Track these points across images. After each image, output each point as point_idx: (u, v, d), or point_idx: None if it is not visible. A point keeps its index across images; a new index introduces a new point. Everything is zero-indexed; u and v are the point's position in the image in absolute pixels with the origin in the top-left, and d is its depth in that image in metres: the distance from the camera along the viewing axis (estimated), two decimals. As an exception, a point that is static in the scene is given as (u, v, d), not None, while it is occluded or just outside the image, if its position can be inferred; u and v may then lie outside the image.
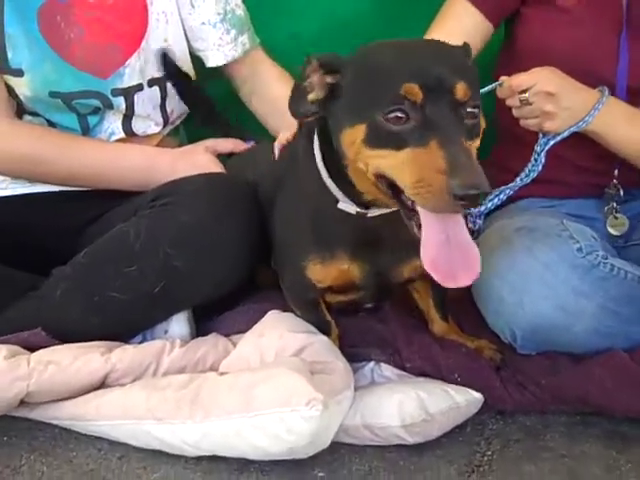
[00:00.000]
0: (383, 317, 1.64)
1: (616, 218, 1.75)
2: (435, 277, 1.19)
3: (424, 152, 1.14)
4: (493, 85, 1.56)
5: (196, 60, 1.91)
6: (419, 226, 1.21)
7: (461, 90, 1.17)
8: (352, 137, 1.22)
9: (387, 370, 1.53)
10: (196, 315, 1.63)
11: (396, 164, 1.18)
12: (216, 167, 1.74)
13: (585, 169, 1.75)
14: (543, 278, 1.46)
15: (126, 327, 1.55)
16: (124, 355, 1.46)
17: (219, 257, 1.50)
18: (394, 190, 1.22)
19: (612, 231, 1.74)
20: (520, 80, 1.55)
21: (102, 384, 1.45)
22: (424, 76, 1.17)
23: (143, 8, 1.75)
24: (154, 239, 1.48)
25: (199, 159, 1.75)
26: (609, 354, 1.47)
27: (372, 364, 1.54)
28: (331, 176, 1.36)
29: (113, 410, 1.39)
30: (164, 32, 1.79)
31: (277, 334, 1.47)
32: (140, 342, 1.56)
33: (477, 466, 1.34)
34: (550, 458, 1.37)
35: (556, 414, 1.49)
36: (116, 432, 1.39)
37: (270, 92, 1.94)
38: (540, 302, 1.43)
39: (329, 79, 1.27)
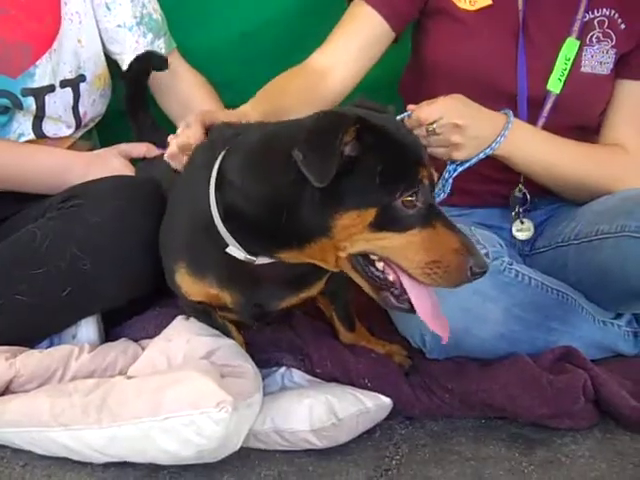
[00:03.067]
0: (294, 323, 1.64)
1: (522, 222, 1.80)
2: (440, 334, 1.27)
3: (434, 234, 1.18)
4: (402, 116, 1.56)
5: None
6: (396, 296, 1.24)
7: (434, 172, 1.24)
8: (356, 221, 1.17)
9: (297, 376, 1.53)
10: (105, 320, 1.60)
11: (401, 246, 1.18)
12: (128, 171, 1.73)
13: (491, 179, 1.80)
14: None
15: (33, 331, 1.52)
16: (29, 360, 1.43)
17: (128, 260, 1.49)
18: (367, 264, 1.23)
19: (518, 235, 1.80)
20: (428, 113, 1.55)
21: (6, 390, 1.41)
22: (425, 159, 1.22)
23: (56, 8, 1.72)
24: (62, 241, 1.46)
25: (112, 163, 1.74)
26: (513, 358, 1.51)
27: (283, 369, 1.54)
28: (230, 225, 1.29)
29: (17, 417, 1.36)
30: (77, 33, 1.77)
31: (184, 338, 1.46)
32: (47, 347, 1.53)
33: (385, 470, 1.36)
34: (456, 461, 1.39)
35: (463, 419, 1.51)
36: (20, 439, 1.36)
37: (186, 96, 1.94)
38: (447, 306, 1.46)
39: (352, 150, 1.17)
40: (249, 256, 1.31)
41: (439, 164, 1.61)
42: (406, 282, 1.23)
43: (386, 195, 1.16)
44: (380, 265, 1.23)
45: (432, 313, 1.26)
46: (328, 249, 1.23)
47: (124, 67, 1.89)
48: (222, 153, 1.30)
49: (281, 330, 1.61)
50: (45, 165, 1.71)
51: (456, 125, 1.55)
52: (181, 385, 1.29)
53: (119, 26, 1.83)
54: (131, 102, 1.89)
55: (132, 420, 1.28)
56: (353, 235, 1.19)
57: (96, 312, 1.56)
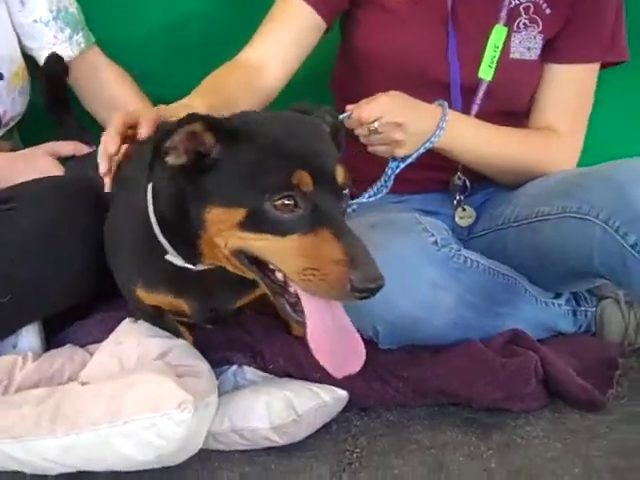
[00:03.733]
0: (243, 320, 1.61)
1: (464, 210, 1.82)
2: (327, 368, 1.16)
3: (316, 240, 1.11)
4: (343, 116, 1.54)
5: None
6: (292, 305, 1.17)
7: (341, 175, 1.16)
8: (223, 217, 1.16)
9: (250, 373, 1.51)
10: (44, 327, 1.54)
11: (279, 249, 1.13)
12: (57, 171, 1.68)
13: (430, 166, 1.80)
14: (401, 274, 1.47)
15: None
16: (-29, 373, 1.36)
17: (67, 263, 1.43)
18: (258, 265, 1.19)
19: (461, 222, 1.82)
20: (368, 113, 1.54)
21: (-53, 405, 1.34)
22: (312, 163, 1.14)
23: None
24: None
25: (39, 163, 1.68)
26: (466, 344, 1.53)
27: (234, 368, 1.51)
28: (163, 230, 1.28)
29: (-36, 432, 1.29)
30: None
31: (135, 341, 1.42)
32: (-14, 359, 1.46)
33: (348, 464, 1.35)
34: (416, 450, 1.40)
35: (416, 407, 1.52)
36: (-33, 456, 1.29)
37: (108, 92, 1.90)
38: (400, 298, 1.46)
39: (203, 146, 1.16)
40: (187, 264, 1.29)
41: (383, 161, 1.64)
42: (300, 292, 1.16)
43: (252, 197, 1.13)
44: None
45: (323, 337, 1.16)
46: (210, 246, 1.21)
47: (41, 63, 1.82)
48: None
49: (231, 328, 1.58)
50: None
51: (397, 123, 1.55)
52: (139, 387, 1.26)
53: (35, 21, 1.78)
54: (51, 104, 1.84)
55: (90, 427, 1.23)
56: (222, 231, 1.17)
57: (37, 319, 1.49)
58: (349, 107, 1.56)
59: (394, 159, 1.62)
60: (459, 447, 1.41)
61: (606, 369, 1.62)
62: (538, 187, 1.71)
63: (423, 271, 1.50)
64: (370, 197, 1.65)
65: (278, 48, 1.71)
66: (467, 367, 1.48)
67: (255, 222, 1.13)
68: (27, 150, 1.75)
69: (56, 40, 1.81)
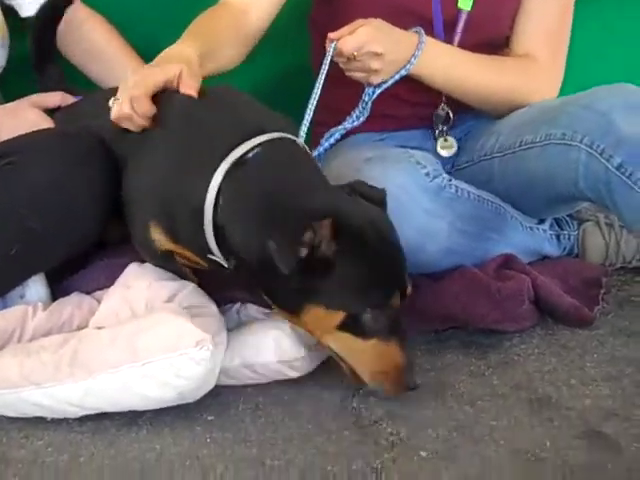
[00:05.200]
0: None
1: (446, 140, 1.86)
2: None
3: (388, 348, 1.28)
4: (329, 52, 1.58)
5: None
6: None
7: (409, 292, 1.31)
8: (321, 316, 1.25)
9: (254, 310, 1.53)
10: (48, 276, 1.56)
11: (358, 350, 1.28)
12: (46, 123, 1.66)
13: (412, 103, 1.84)
14: (400, 201, 1.51)
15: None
16: (-18, 323, 1.38)
17: (75, 215, 1.44)
18: None
19: (443, 153, 1.86)
20: (349, 45, 1.57)
21: (-38, 357, 1.36)
22: (403, 283, 1.29)
23: None
24: (5, 200, 1.39)
25: (26, 116, 1.66)
26: (462, 270, 1.58)
27: (237, 305, 1.54)
28: (217, 240, 1.32)
29: (-17, 382, 1.31)
30: None
31: (144, 284, 1.44)
32: (-5, 310, 1.47)
33: (357, 390, 1.40)
34: (418, 373, 1.42)
35: (414, 333, 1.57)
36: (-11, 405, 1.32)
37: (91, 40, 1.90)
38: (402, 227, 1.49)
39: (328, 249, 1.21)
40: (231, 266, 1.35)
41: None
42: None
43: (356, 306, 1.25)
44: None
45: None
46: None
47: (22, 14, 1.81)
48: (224, 168, 1.30)
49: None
50: None
51: (376, 53, 1.58)
52: (156, 328, 1.29)
53: None
54: (39, 51, 1.81)
55: (109, 370, 1.27)
56: (322, 328, 1.28)
57: (45, 269, 1.51)
58: (331, 36, 1.59)
59: (370, 85, 1.66)
60: (460, 367, 1.47)
61: (591, 288, 1.69)
62: (521, 117, 1.76)
63: (418, 200, 1.55)
64: (352, 124, 1.67)
65: None
66: (464, 291, 1.54)
67: (346, 324, 1.25)
68: (12, 103, 1.72)
69: None
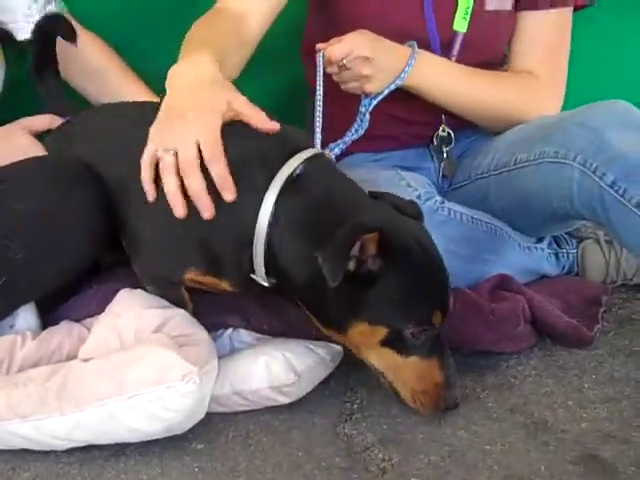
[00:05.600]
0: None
1: (449, 161, 1.85)
2: None
3: (429, 365, 1.27)
4: (320, 61, 1.59)
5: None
6: None
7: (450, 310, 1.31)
8: (366, 332, 1.25)
9: (246, 335, 1.52)
10: (39, 305, 1.55)
11: (400, 368, 1.28)
12: (36, 148, 1.63)
13: (410, 121, 1.83)
14: None
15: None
16: (-29, 355, 1.37)
17: (63, 245, 1.42)
18: None
19: (445, 172, 1.85)
20: (338, 52, 1.57)
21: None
22: (445, 300, 1.29)
23: None
24: None
25: (18, 142, 1.64)
26: (455, 292, 1.54)
27: (230, 331, 1.52)
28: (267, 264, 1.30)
29: (-30, 413, 1.30)
30: None
31: (134, 313, 1.42)
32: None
33: (349, 415, 1.38)
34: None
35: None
36: (-26, 437, 1.31)
37: (87, 59, 1.87)
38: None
39: (367, 256, 1.22)
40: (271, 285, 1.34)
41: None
42: None
43: (399, 321, 1.24)
44: None
45: None
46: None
47: (18, 37, 1.80)
48: (278, 186, 1.28)
49: (222, 293, 1.60)
50: None
51: (365, 58, 1.58)
52: (143, 360, 1.27)
53: None
54: (40, 67, 1.77)
55: (96, 402, 1.25)
56: (366, 344, 1.28)
57: (34, 299, 1.50)
58: (319, 46, 1.59)
59: (366, 97, 1.66)
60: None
61: (591, 307, 1.67)
62: (516, 135, 1.74)
63: None
64: (351, 137, 1.66)
65: None
66: (458, 314, 1.51)
67: (389, 340, 1.25)
68: (2, 128, 1.70)
69: (30, 12, 1.77)
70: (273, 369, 1.38)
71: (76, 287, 1.57)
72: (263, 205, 1.27)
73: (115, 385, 1.25)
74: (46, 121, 1.72)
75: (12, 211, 1.40)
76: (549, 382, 1.46)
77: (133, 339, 1.39)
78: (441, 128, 1.83)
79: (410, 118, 1.81)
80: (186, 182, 1.26)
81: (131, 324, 1.40)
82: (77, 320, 1.51)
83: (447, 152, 1.84)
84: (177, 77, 1.38)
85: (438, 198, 1.62)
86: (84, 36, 1.89)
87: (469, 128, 1.85)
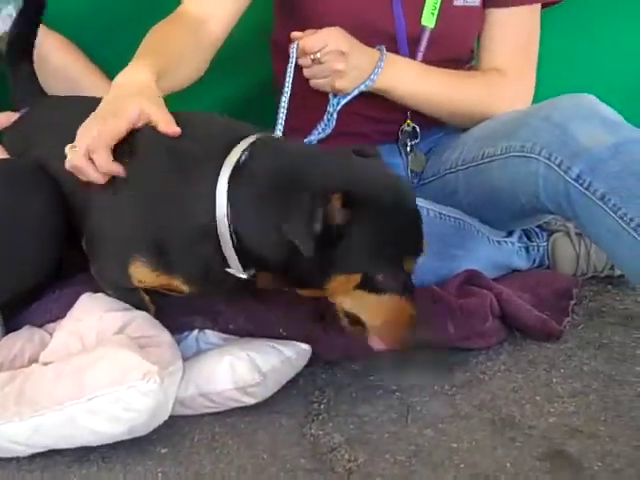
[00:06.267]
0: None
1: (416, 155, 1.84)
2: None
3: (401, 302, 1.28)
4: (293, 48, 1.59)
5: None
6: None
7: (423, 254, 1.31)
8: (343, 281, 1.26)
9: (212, 336, 1.50)
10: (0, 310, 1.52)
11: (372, 305, 1.28)
12: None
13: (378, 119, 1.82)
14: None
15: None
16: None
17: (15, 250, 1.40)
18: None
19: (414, 168, 1.84)
20: (313, 42, 1.58)
21: None
22: (418, 249, 1.30)
23: None
24: None
25: None
26: (422, 290, 1.53)
27: (196, 332, 1.50)
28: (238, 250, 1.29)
29: None
30: None
31: (95, 316, 1.40)
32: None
33: (316, 415, 1.37)
34: (382, 395, 1.43)
35: (377, 356, 1.54)
36: None
37: (52, 61, 1.85)
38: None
39: (341, 219, 1.22)
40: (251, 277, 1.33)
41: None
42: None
43: (372, 268, 1.26)
44: None
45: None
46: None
47: None
48: (226, 174, 1.27)
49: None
50: None
51: (340, 52, 1.59)
52: (102, 362, 1.25)
53: None
54: (16, 48, 1.73)
55: (55, 406, 1.23)
56: (341, 293, 1.29)
57: (-6, 306, 1.48)
58: (295, 35, 1.59)
59: (335, 96, 1.66)
60: (424, 388, 1.44)
61: (561, 300, 1.67)
62: (483, 130, 1.74)
63: None
64: (318, 136, 1.67)
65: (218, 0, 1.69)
66: (427, 312, 1.50)
67: (363, 284, 1.26)
68: None
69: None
70: (237, 369, 1.36)
71: (38, 292, 1.55)
72: (217, 196, 1.26)
73: (74, 388, 1.24)
74: (3, 120, 1.69)
75: None
76: (518, 377, 1.46)
77: (94, 342, 1.37)
78: (406, 123, 1.82)
79: (378, 116, 1.80)
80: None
81: (92, 327, 1.39)
82: (40, 325, 1.49)
83: (412, 146, 1.84)
84: (114, 86, 1.43)
85: None
86: (52, 40, 1.87)
87: (436, 125, 1.85)
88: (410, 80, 1.72)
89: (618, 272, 1.76)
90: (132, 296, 1.45)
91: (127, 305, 1.44)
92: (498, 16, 1.80)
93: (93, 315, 1.40)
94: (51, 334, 1.45)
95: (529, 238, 1.81)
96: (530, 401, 1.38)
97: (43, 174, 1.46)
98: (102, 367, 1.25)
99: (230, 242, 1.27)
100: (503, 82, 1.80)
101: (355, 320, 1.32)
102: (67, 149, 1.35)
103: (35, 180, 1.45)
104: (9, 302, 1.49)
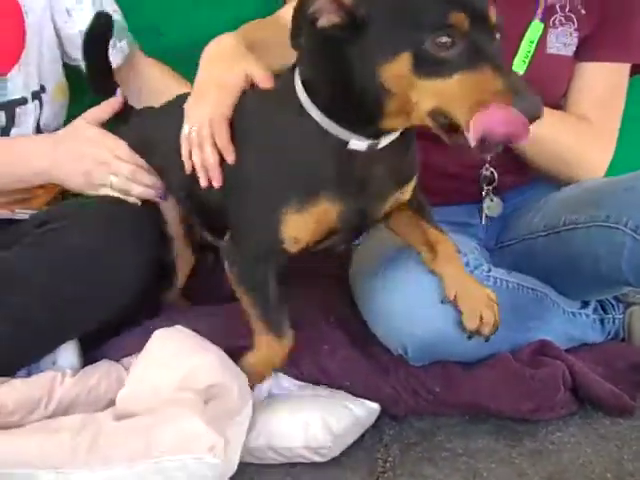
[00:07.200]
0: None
1: (492, 200, 1.83)
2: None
3: (479, 75, 1.14)
4: None
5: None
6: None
7: (493, 14, 1.18)
8: (397, 69, 1.17)
9: (286, 380, 1.53)
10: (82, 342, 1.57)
11: (448, 92, 1.15)
12: (109, 139, 1.62)
13: (451, 175, 1.82)
14: (435, 293, 1.47)
15: (11, 360, 1.45)
16: (12, 390, 1.38)
17: (112, 284, 1.46)
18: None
19: (489, 213, 1.83)
20: None
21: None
22: (465, 3, 1.16)
23: (19, 19, 1.68)
24: (40, 265, 1.42)
25: (86, 135, 1.62)
26: (496, 358, 1.54)
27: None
28: (330, 112, 1.29)
29: (2, 456, 1.28)
30: (39, 43, 1.73)
31: (164, 360, 1.41)
32: (26, 376, 1.47)
33: (381, 472, 1.37)
34: (449, 457, 1.42)
35: (446, 416, 1.54)
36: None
37: (153, 90, 1.90)
38: (433, 318, 1.46)
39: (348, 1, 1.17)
40: (371, 142, 1.31)
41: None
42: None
43: (413, 38, 1.15)
44: None
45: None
46: (398, 105, 1.23)
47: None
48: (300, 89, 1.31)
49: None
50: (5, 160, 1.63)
51: None
52: (170, 425, 1.27)
53: (81, 31, 1.75)
54: (93, 68, 1.75)
55: (124, 463, 1.25)
56: (408, 86, 1.18)
57: (77, 336, 1.52)
58: None
59: None
60: (491, 454, 1.43)
61: (636, 374, 1.63)
62: (566, 196, 1.72)
63: None
64: None
65: None
66: (497, 380, 1.50)
67: (423, 66, 1.15)
68: (69, 126, 1.69)
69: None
70: (311, 430, 1.38)
71: (121, 327, 1.59)
72: (303, 102, 1.32)
73: (144, 446, 1.26)
74: (109, 108, 1.71)
75: (66, 246, 1.44)
76: (588, 451, 1.43)
77: (165, 390, 1.37)
78: (484, 167, 1.81)
79: (461, 174, 1.80)
80: (200, 155, 1.42)
81: (162, 374, 1.39)
82: (116, 359, 1.52)
83: (489, 191, 1.82)
84: (203, 56, 1.49)
85: (485, 267, 1.59)
86: (152, 69, 1.95)
87: (519, 186, 1.84)
88: None
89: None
90: (269, 295, 1.42)
91: (201, 341, 1.44)
92: (587, 68, 1.79)
93: (164, 358, 1.41)
94: (127, 369, 1.48)
95: (605, 310, 1.77)
96: (600, 477, 1.35)
97: (141, 210, 1.54)
98: (170, 431, 1.26)
99: (317, 110, 1.30)
100: (588, 127, 1.77)
101: (450, 126, 1.19)
102: (184, 133, 1.44)
103: (131, 215, 1.51)
104: (91, 333, 1.54)
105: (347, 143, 1.31)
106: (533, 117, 1.13)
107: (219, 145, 1.40)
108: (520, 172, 1.85)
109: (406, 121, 1.27)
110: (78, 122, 1.67)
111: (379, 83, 1.20)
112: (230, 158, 1.40)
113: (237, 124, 1.41)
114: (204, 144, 1.41)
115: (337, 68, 1.24)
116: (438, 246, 1.49)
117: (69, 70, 1.88)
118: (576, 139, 1.76)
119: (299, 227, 1.36)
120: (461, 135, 1.17)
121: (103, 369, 1.48)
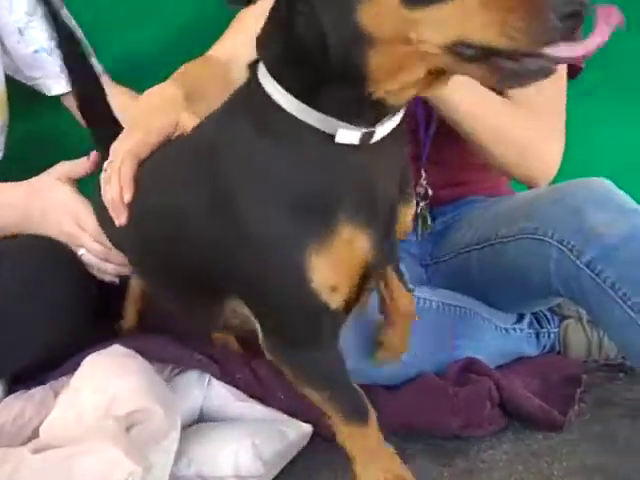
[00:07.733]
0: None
1: (425, 216, 1.83)
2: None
3: None
4: None
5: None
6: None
7: None
8: (379, 6, 0.90)
9: (219, 388, 1.53)
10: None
11: (462, 14, 0.86)
12: (71, 204, 1.50)
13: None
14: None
15: None
16: None
17: (32, 325, 1.43)
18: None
19: (422, 228, 1.83)
20: None
21: None
22: None
23: None
24: None
25: (55, 195, 1.51)
26: (421, 380, 1.55)
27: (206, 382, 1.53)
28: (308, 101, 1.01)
29: None
30: None
31: (90, 387, 1.39)
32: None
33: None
34: (384, 478, 1.40)
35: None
36: None
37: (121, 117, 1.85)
38: (350, 335, 1.42)
39: None
40: (364, 131, 1.02)
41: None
42: None
43: None
44: None
45: None
46: (398, 55, 0.94)
47: (51, 93, 1.80)
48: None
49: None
50: None
51: None
52: (91, 456, 1.24)
53: (36, 51, 1.74)
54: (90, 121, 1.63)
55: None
56: (399, 23, 0.90)
57: (5, 376, 1.50)
58: None
59: None
60: (423, 474, 1.41)
61: (569, 387, 1.64)
62: (497, 209, 1.73)
63: (375, 315, 1.44)
64: None
65: (247, 41, 1.68)
66: (422, 398, 1.50)
67: None
68: (35, 179, 1.54)
69: (62, 67, 1.72)
70: (241, 458, 1.36)
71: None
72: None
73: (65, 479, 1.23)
74: (86, 165, 1.55)
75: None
76: (519, 468, 1.42)
77: (88, 418, 1.35)
78: (419, 183, 1.80)
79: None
80: (109, 190, 1.30)
81: (86, 402, 1.37)
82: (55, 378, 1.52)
83: (423, 207, 1.82)
84: (140, 99, 1.45)
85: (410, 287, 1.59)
86: (120, 96, 1.82)
87: (453, 202, 1.85)
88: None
89: (631, 360, 1.73)
90: (336, 379, 1.20)
91: (120, 371, 1.41)
92: None
93: (89, 385, 1.39)
94: (56, 393, 1.46)
95: (540, 324, 1.79)
96: (529, 495, 1.35)
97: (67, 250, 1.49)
98: (90, 462, 1.23)
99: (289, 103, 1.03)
100: (548, 127, 1.73)
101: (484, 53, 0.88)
102: (105, 165, 1.34)
103: (55, 254, 1.48)
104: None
105: (334, 137, 1.02)
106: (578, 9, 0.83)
107: (121, 180, 1.28)
108: (455, 187, 1.86)
109: (400, 80, 0.97)
110: (45, 178, 1.54)
111: (359, 33, 0.94)
112: (127, 197, 1.27)
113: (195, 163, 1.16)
114: (112, 177, 1.30)
115: (308, 31, 0.98)
116: (399, 302, 1.38)
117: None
118: (536, 132, 1.73)
119: (326, 269, 1.06)
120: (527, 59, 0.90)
121: (26, 395, 1.47)
